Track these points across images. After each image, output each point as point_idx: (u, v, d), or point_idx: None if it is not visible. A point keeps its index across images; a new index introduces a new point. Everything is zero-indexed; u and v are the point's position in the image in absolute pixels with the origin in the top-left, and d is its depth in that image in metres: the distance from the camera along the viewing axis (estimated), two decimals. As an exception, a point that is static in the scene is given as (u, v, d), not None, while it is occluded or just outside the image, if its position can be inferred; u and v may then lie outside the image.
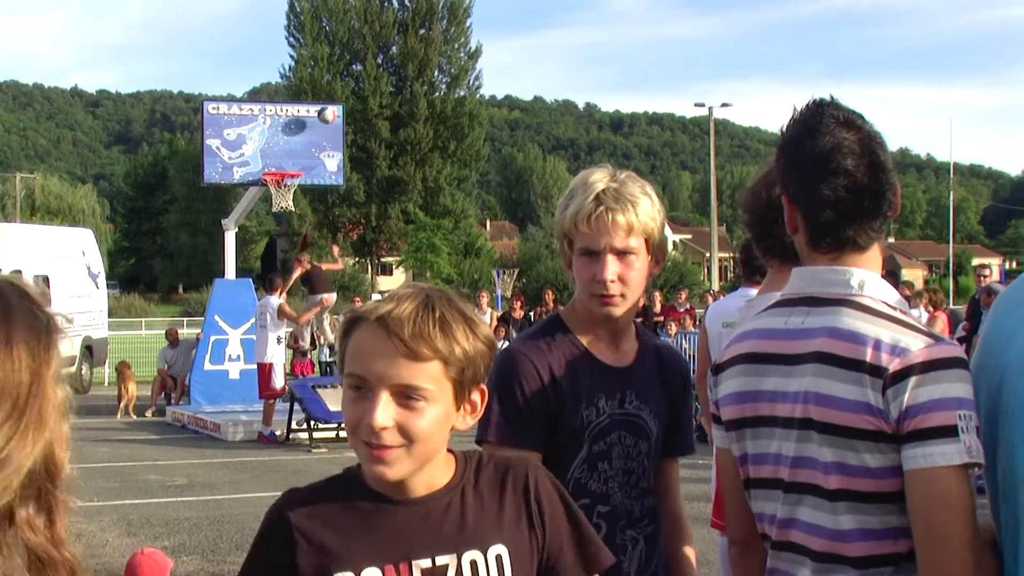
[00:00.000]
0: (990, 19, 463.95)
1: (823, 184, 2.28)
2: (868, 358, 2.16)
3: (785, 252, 3.49)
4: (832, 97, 2.33)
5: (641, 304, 13.72)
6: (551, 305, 21.32)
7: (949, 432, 2.07)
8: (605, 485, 2.81)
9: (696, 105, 57.98)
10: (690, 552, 3.06)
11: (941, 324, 16.11)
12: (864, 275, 2.27)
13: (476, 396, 1.99)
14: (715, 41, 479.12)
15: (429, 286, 1.99)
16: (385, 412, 1.87)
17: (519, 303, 22.84)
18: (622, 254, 2.75)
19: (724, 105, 56.27)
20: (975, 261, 67.33)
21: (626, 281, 2.76)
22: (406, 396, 1.89)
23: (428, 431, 1.90)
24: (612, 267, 2.74)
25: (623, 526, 2.82)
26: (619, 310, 2.80)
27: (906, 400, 2.10)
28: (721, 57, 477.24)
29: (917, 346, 2.14)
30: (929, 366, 2.11)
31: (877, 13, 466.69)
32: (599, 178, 2.78)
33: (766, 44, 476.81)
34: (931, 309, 16.70)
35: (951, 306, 18.87)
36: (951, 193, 77.82)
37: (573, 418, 2.78)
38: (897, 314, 2.22)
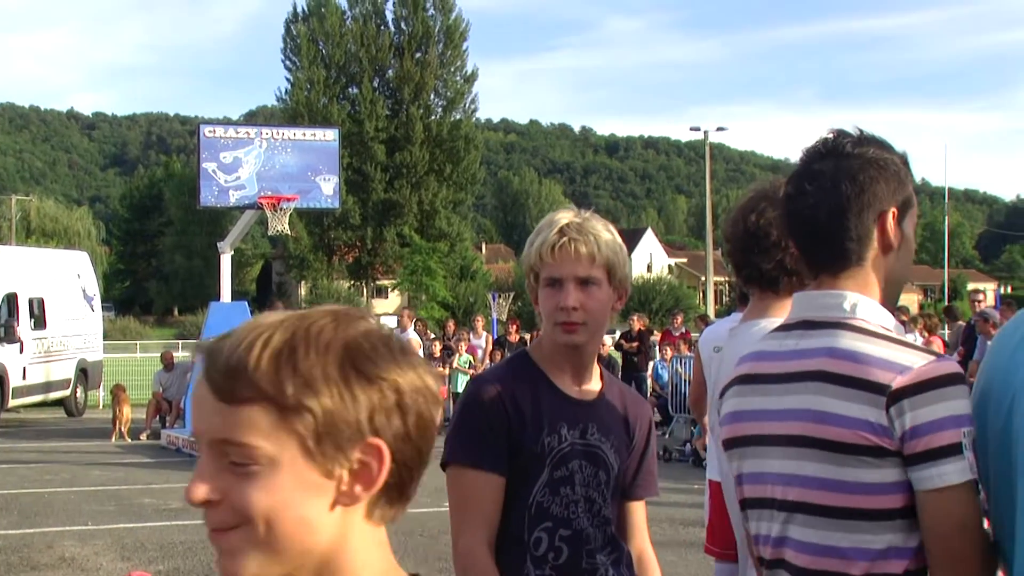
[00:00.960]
0: (985, 44, 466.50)
1: (789, 211, 2.39)
2: (868, 376, 2.18)
3: (763, 280, 3.54)
4: (860, 129, 2.38)
5: (637, 329, 13.88)
6: (546, 329, 21.30)
7: (955, 450, 2.10)
8: (567, 510, 2.88)
9: (692, 129, 58.17)
10: None
11: (935, 349, 16.15)
12: (856, 298, 2.29)
13: (366, 456, 1.35)
14: (711, 65, 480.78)
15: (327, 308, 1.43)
16: (202, 480, 1.34)
17: (515, 327, 22.83)
18: (584, 283, 2.86)
19: (720, 129, 56.41)
20: (970, 286, 67.37)
21: (588, 310, 2.87)
22: (229, 457, 1.33)
23: (266, 508, 1.32)
24: (574, 295, 2.86)
25: (591, 551, 2.90)
26: (581, 338, 2.90)
27: (911, 419, 2.13)
28: (717, 81, 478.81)
29: (918, 363, 2.16)
30: (932, 383, 2.13)
31: (873, 38, 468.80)
32: (564, 215, 2.94)
33: (762, 68, 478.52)
34: (926, 334, 16.72)
35: (959, 322, 18.85)
36: (946, 218, 77.92)
37: (534, 443, 2.87)
38: (893, 334, 2.25)
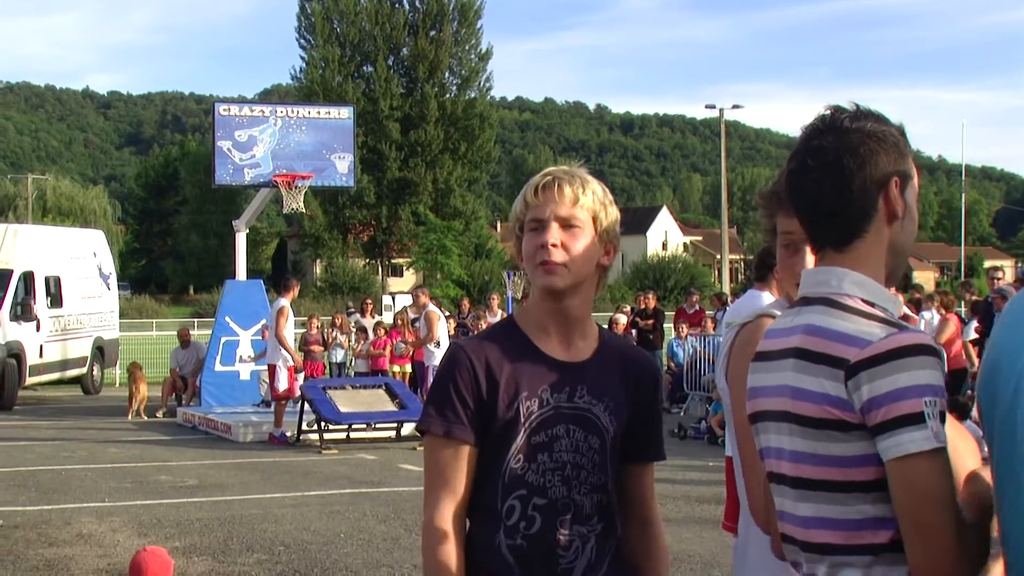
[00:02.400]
0: (1002, 21, 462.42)
1: (792, 188, 2.41)
2: (831, 351, 2.22)
3: None
4: (856, 104, 2.39)
5: (652, 307, 13.82)
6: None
7: (916, 419, 2.11)
8: (543, 477, 2.81)
9: (707, 107, 57.97)
10: (660, 557, 3.04)
11: (952, 327, 16.06)
12: (845, 274, 2.31)
13: None
14: (727, 43, 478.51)
15: None
16: None
17: (528, 304, 22.79)
18: (567, 226, 2.80)
19: (735, 107, 56.37)
20: (987, 263, 67.05)
21: (569, 251, 2.79)
22: None
23: None
24: (555, 234, 2.78)
25: (566, 521, 2.81)
26: (560, 281, 2.80)
27: (868, 391, 2.15)
28: (732, 59, 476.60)
29: (877, 336, 2.17)
30: (889, 355, 2.14)
31: (889, 15, 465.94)
32: (554, 166, 2.91)
33: (778, 46, 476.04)
34: (943, 311, 16.64)
35: (973, 297, 18.77)
36: (963, 195, 77.66)
37: (508, 409, 2.80)
38: (867, 308, 2.26)
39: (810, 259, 2.73)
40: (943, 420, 2.14)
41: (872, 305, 2.27)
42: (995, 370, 2.21)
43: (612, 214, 2.89)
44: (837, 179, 2.31)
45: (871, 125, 2.33)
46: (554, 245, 2.78)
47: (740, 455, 2.68)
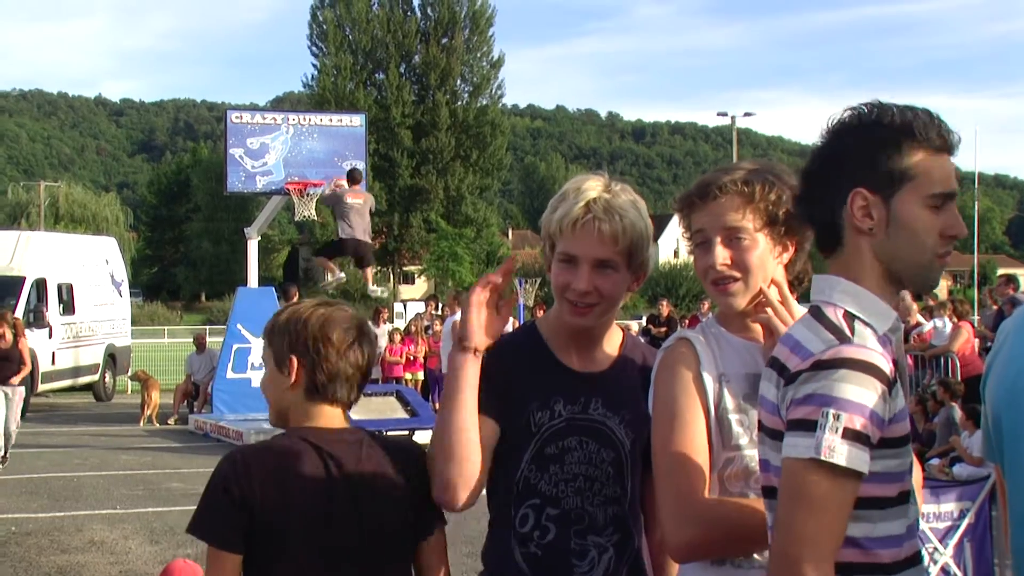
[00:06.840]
0: (1016, 29, 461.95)
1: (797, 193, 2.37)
2: (784, 359, 2.18)
3: None
4: (871, 105, 2.25)
5: (666, 314, 13.78)
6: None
7: (808, 426, 2.04)
8: (556, 488, 2.78)
9: (719, 114, 58.06)
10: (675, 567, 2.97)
11: (965, 334, 16.00)
12: (837, 283, 2.23)
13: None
14: (740, 50, 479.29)
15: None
16: None
17: (541, 312, 22.79)
18: (601, 265, 2.74)
19: (747, 115, 56.25)
20: (1000, 271, 66.89)
21: (602, 293, 2.75)
22: None
23: None
24: (588, 278, 2.74)
25: (580, 531, 2.78)
26: (590, 321, 2.79)
27: (789, 398, 2.11)
28: (745, 66, 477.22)
29: (820, 348, 2.11)
30: (820, 365, 2.07)
31: (902, 23, 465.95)
32: (592, 186, 2.78)
33: (790, 54, 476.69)
34: (956, 319, 16.57)
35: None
36: (976, 203, 77.39)
37: (519, 417, 2.78)
38: (841, 321, 2.17)
39: (721, 253, 2.59)
40: (861, 441, 2.03)
41: (854, 318, 2.17)
42: (1013, 387, 2.15)
43: (648, 241, 2.81)
44: (811, 187, 2.26)
45: (862, 129, 2.19)
46: (586, 292, 2.74)
47: (655, 482, 2.56)
